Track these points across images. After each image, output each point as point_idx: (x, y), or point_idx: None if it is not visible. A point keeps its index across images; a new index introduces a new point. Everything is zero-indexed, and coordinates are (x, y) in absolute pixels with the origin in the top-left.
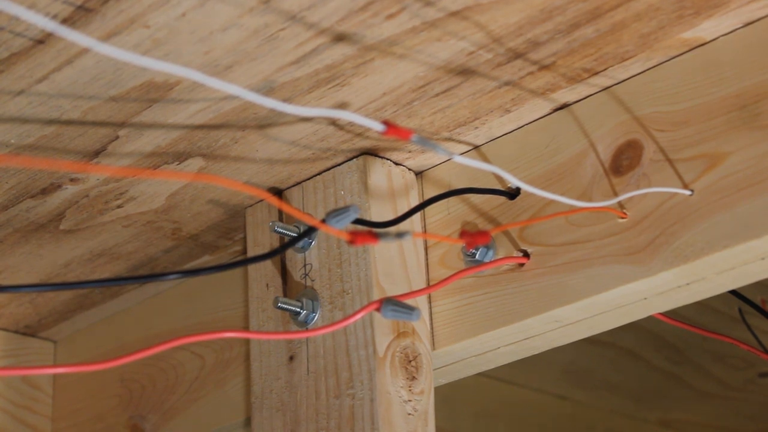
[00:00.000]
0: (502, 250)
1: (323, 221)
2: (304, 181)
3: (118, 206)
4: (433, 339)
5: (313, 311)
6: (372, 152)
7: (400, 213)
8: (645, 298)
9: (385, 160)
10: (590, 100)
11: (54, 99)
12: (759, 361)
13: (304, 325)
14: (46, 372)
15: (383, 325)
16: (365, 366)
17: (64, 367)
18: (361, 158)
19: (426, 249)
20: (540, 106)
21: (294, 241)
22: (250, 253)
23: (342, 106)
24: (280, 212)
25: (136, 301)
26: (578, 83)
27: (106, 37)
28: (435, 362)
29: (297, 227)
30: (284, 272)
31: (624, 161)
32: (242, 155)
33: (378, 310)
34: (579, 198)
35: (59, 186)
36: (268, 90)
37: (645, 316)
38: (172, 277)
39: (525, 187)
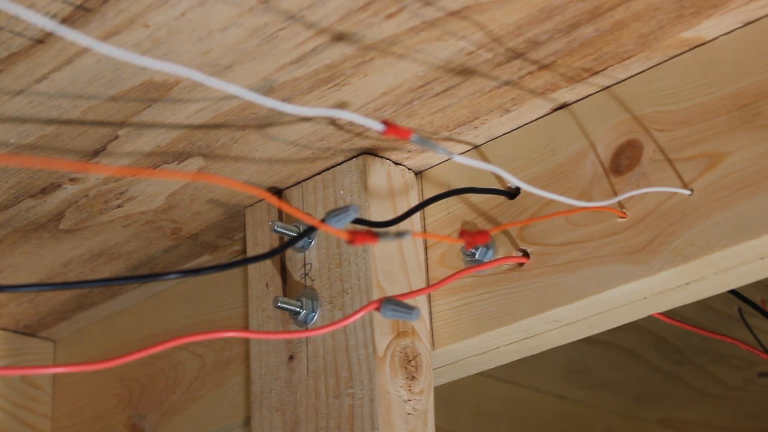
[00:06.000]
0: (502, 250)
1: (323, 221)
2: (303, 180)
3: (118, 206)
4: (432, 338)
5: (313, 311)
6: (372, 152)
7: (399, 213)
8: (645, 298)
9: (384, 160)
10: (590, 100)
11: (53, 99)
12: (759, 361)
13: (303, 324)
14: (46, 372)
15: (383, 324)
16: (365, 366)
17: (64, 367)
18: (360, 158)
19: (426, 249)
20: (539, 106)
21: (294, 240)
22: (250, 253)
23: (341, 105)
24: (280, 212)
25: (136, 300)
26: (578, 83)
27: (106, 37)
28: (435, 362)
29: (297, 227)
30: (284, 272)
31: (624, 161)
32: (242, 155)
33: (378, 309)
34: (578, 198)
35: (59, 186)
36: (268, 90)
37: (645, 315)
38: (171, 276)
39: (525, 186)
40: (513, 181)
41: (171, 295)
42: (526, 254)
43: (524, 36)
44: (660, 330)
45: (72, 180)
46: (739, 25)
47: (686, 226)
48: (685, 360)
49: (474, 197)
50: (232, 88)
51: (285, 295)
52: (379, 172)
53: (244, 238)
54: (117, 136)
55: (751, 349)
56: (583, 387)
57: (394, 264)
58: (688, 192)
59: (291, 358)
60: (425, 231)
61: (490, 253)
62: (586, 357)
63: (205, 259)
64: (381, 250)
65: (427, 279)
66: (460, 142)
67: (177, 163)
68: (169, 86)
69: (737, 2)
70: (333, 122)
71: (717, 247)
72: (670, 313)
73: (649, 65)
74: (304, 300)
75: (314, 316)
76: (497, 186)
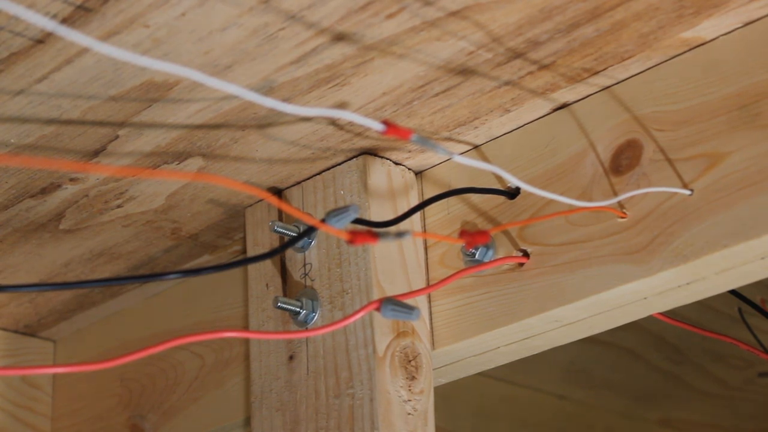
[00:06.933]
0: (502, 250)
1: (323, 221)
2: (303, 180)
3: (118, 206)
4: (432, 338)
5: (313, 311)
6: (372, 152)
7: (399, 213)
8: (645, 298)
9: (384, 160)
10: (590, 100)
11: (54, 99)
12: (759, 361)
13: (303, 324)
14: (46, 372)
15: (383, 324)
16: (365, 366)
17: (64, 367)
18: (360, 158)
19: (426, 249)
20: (540, 106)
21: (294, 240)
22: (250, 253)
23: (342, 105)
24: (280, 212)
25: (136, 300)
26: (578, 83)
27: (106, 37)
28: (435, 362)
29: (297, 227)
30: (284, 272)
31: (624, 161)
32: (242, 155)
33: (378, 309)
34: (579, 198)
35: (59, 186)
36: (268, 90)
37: (645, 315)
38: (171, 276)
39: (525, 186)
40: (513, 181)
41: (171, 295)
42: (526, 254)
43: (524, 36)
44: (660, 330)
45: (72, 180)
46: (739, 25)
47: (686, 226)
48: (685, 360)
49: (474, 197)
50: (232, 88)
51: (285, 295)
52: (379, 172)
53: (244, 238)
54: (117, 136)
55: (751, 349)
56: (583, 387)
57: (394, 264)
58: (688, 192)
59: (291, 358)
60: (425, 231)
61: (490, 253)
62: (586, 357)
63: (205, 259)
64: (381, 250)
65: (427, 279)
66: (460, 142)
67: (177, 163)
68: (169, 86)
69: (737, 2)
70: (333, 122)
71: (717, 247)
72: (670, 313)
73: (649, 65)
74: (304, 300)
75: (314, 316)
76: (497, 186)
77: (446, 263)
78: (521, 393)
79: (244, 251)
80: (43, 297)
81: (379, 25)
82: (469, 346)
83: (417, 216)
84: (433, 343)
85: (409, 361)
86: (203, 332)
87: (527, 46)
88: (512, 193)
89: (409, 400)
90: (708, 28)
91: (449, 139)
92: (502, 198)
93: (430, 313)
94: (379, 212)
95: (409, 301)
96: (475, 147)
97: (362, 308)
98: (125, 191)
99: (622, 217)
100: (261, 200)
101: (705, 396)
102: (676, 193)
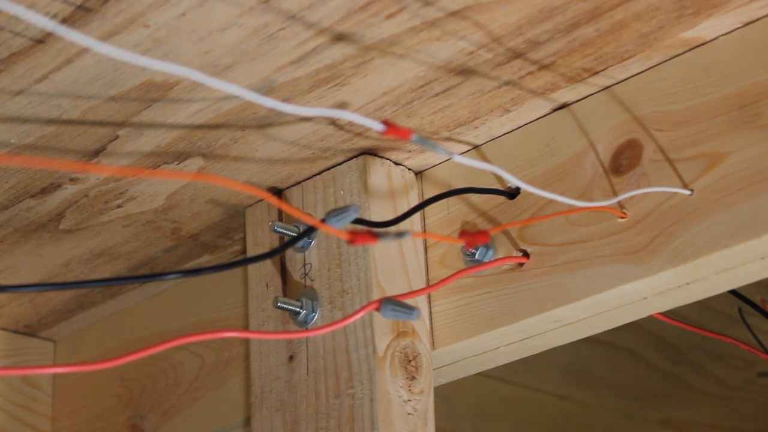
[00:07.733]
0: (502, 250)
1: (323, 221)
2: (303, 180)
3: (118, 206)
4: (432, 339)
5: (313, 311)
6: (372, 152)
7: (399, 213)
8: (645, 298)
9: (384, 160)
10: (590, 100)
11: (54, 99)
12: (759, 361)
13: (303, 324)
14: (46, 372)
15: (383, 324)
16: (365, 366)
17: (64, 367)
18: (360, 158)
19: (426, 249)
20: (540, 106)
21: (294, 240)
22: (250, 253)
23: (342, 105)
24: (280, 212)
25: (136, 300)
26: (578, 83)
27: (106, 37)
28: (435, 362)
29: (297, 227)
30: (284, 272)
31: (624, 161)
32: (242, 155)
33: (378, 309)
34: (579, 198)
35: (59, 186)
36: (268, 90)
37: (645, 315)
38: (171, 276)
39: (525, 186)
40: (513, 181)
41: (171, 295)
42: (526, 254)
43: (524, 36)
44: (660, 330)
45: (72, 180)
46: (739, 25)
47: (686, 226)
48: (685, 360)
49: (474, 197)
50: (232, 88)
51: (285, 295)
52: (379, 172)
53: (244, 238)
54: (117, 136)
55: (751, 349)
56: (583, 387)
57: (394, 264)
58: (688, 192)
59: (291, 358)
60: (425, 231)
61: (490, 253)
62: (586, 357)
63: (205, 259)
64: (381, 250)
65: (427, 279)
66: (460, 142)
67: (177, 163)
68: (169, 86)
69: (737, 2)
70: (333, 122)
71: (717, 247)
72: (670, 313)
73: (649, 65)
74: (304, 300)
75: (314, 316)
76: (497, 186)
77: (446, 263)
78: (521, 393)
79: (244, 251)
80: (43, 297)
81: (379, 25)
82: (469, 346)
83: (417, 216)
84: (433, 343)
85: (409, 361)
86: (203, 332)
87: (527, 46)
88: (512, 193)
89: (409, 400)
90: (708, 28)
91: (449, 139)
92: (502, 198)
93: (430, 313)
94: (379, 212)
95: (409, 301)
96: (475, 147)
97: (362, 308)
98: (125, 191)
99: (622, 217)
100: (261, 200)
101: (705, 396)
102: (676, 193)
